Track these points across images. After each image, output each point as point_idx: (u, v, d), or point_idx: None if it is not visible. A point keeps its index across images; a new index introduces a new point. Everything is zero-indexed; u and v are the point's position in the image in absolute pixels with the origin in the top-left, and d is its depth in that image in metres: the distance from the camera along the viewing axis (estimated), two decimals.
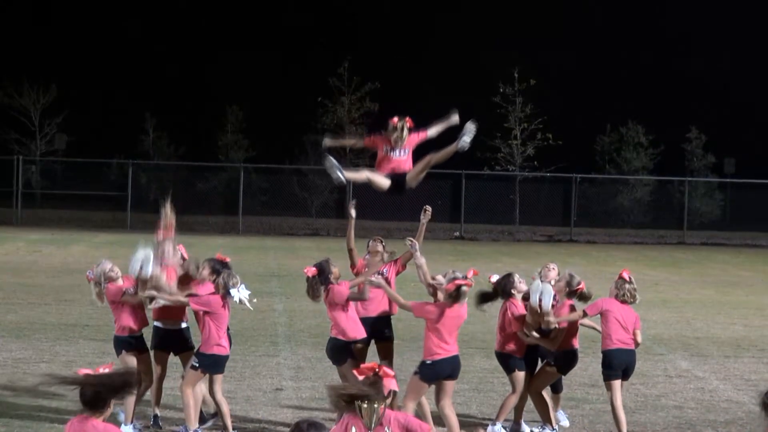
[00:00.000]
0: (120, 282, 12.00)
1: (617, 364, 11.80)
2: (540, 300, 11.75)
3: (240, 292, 11.47)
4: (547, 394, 12.32)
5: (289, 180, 58.71)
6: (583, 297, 12.24)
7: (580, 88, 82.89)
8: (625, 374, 11.97)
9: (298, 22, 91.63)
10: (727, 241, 50.83)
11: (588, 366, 15.71)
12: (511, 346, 12.09)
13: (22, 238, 39.62)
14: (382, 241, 12.72)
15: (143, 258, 11.75)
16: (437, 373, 11.32)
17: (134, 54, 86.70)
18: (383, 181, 11.92)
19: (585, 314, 12.02)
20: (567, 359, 12.19)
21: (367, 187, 12.14)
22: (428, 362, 11.30)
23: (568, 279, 12.26)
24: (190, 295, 11.70)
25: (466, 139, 11.92)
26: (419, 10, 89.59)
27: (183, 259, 12.46)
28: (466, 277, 11.34)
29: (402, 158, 12.00)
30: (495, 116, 57.70)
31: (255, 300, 11.83)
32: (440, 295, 11.56)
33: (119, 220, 48.78)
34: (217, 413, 12.02)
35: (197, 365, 11.55)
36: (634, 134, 66.45)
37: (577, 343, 12.28)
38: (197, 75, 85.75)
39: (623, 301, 11.91)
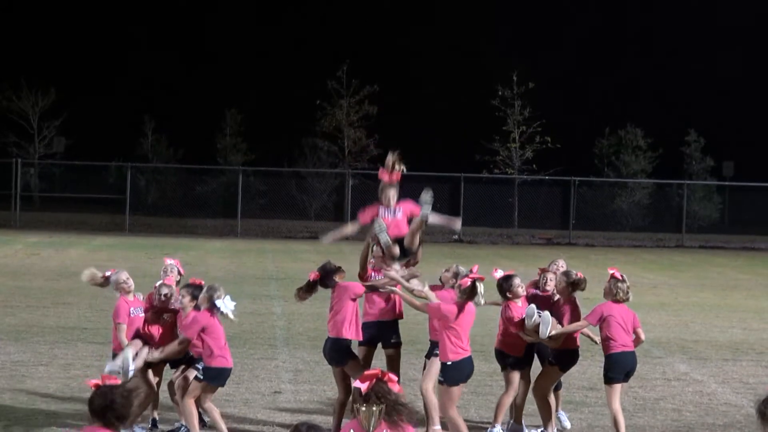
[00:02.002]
0: (131, 297, 11.97)
1: (622, 368, 11.77)
2: (538, 325, 11.70)
3: (225, 304, 11.35)
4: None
5: (287, 183, 58.76)
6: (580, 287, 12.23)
7: (578, 91, 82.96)
8: (626, 377, 11.96)
9: (298, 25, 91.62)
10: (726, 244, 50.83)
11: (587, 369, 15.69)
12: (509, 345, 12.08)
13: (21, 240, 39.62)
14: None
15: (122, 363, 11.62)
16: (460, 372, 11.14)
17: (133, 57, 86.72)
18: (394, 247, 12.26)
19: (586, 324, 11.99)
20: (568, 357, 12.16)
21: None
22: (449, 363, 11.12)
23: (566, 278, 12.24)
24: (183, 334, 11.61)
25: (426, 208, 12.19)
26: (418, 12, 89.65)
27: (180, 274, 12.52)
28: (471, 272, 11.32)
29: (398, 218, 12.40)
30: (493, 119, 57.75)
31: (235, 310, 11.65)
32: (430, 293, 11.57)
33: (117, 223, 48.77)
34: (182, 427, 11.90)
35: (201, 378, 11.46)
36: (633, 137, 66.51)
37: (578, 340, 12.27)
38: (196, 78, 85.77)
39: (620, 301, 11.88)
